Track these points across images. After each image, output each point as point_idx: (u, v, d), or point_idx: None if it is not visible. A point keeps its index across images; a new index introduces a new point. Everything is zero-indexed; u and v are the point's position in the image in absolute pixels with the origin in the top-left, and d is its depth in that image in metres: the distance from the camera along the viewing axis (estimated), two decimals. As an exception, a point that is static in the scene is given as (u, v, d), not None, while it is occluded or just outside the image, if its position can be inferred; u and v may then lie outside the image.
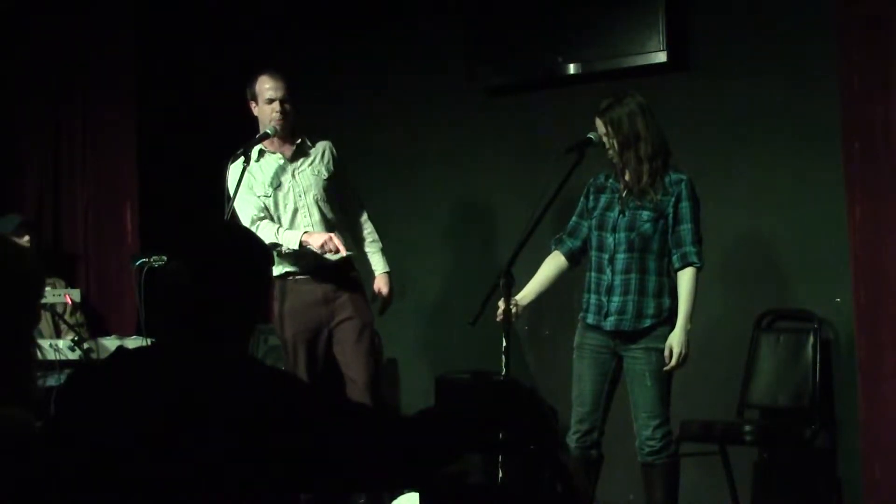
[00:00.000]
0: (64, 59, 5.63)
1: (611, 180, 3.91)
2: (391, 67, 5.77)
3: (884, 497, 4.11)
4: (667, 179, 3.81)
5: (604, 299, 3.86)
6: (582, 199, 3.99)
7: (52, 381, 4.43)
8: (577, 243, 3.99)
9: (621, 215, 3.83)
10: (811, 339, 4.52)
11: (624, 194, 3.84)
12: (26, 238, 5.02)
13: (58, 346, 4.40)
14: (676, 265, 3.82)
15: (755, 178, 4.76)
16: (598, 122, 3.83)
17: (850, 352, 4.37)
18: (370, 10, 5.79)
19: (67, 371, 4.39)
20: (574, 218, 4.01)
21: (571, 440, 3.96)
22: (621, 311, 3.83)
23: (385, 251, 4.50)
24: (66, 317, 4.96)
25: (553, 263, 4.02)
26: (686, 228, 3.80)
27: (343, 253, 4.18)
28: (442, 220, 4.95)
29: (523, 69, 5.27)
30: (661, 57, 4.82)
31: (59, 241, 5.67)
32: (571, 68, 5.11)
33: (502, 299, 3.66)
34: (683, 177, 3.82)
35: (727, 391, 4.74)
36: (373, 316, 4.44)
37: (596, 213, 3.91)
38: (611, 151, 3.82)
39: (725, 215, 4.81)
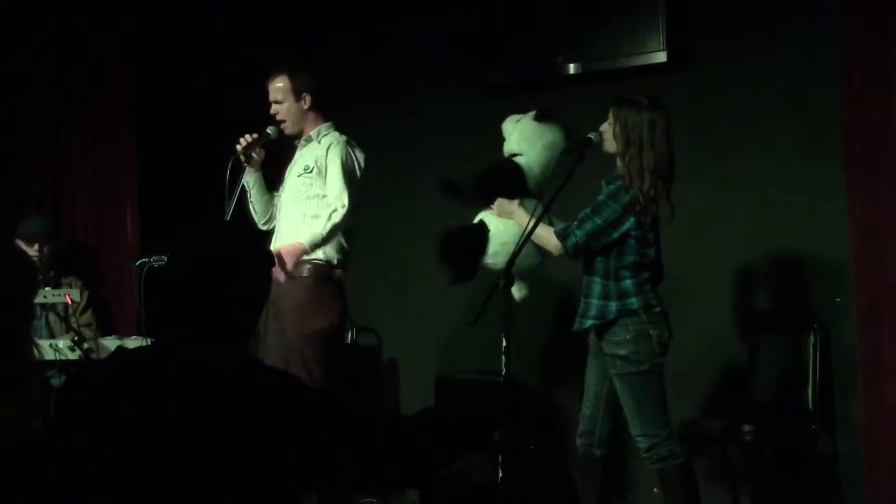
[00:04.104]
0: (64, 59, 5.62)
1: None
2: (391, 67, 5.77)
3: (884, 497, 4.11)
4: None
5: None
6: None
7: (52, 382, 4.44)
8: None
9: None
10: (811, 339, 4.51)
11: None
12: (35, 246, 5.00)
13: (58, 346, 4.40)
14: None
15: (755, 179, 4.75)
16: (610, 114, 3.81)
17: (850, 352, 4.37)
18: (370, 10, 5.79)
19: (69, 371, 4.40)
20: None
21: (578, 440, 3.97)
22: (577, 313, 3.87)
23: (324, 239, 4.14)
24: (76, 317, 4.97)
25: None
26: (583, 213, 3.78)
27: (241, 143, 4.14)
28: (442, 219, 4.93)
29: (523, 69, 5.27)
30: (661, 57, 4.82)
31: (58, 241, 5.66)
32: (571, 68, 5.11)
33: None
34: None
35: (727, 391, 4.74)
36: (308, 330, 4.11)
37: None
38: (611, 146, 3.80)
39: (725, 215, 4.81)
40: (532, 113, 4.13)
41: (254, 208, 4.38)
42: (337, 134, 4.29)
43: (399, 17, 5.72)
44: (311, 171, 4.20)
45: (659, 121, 3.72)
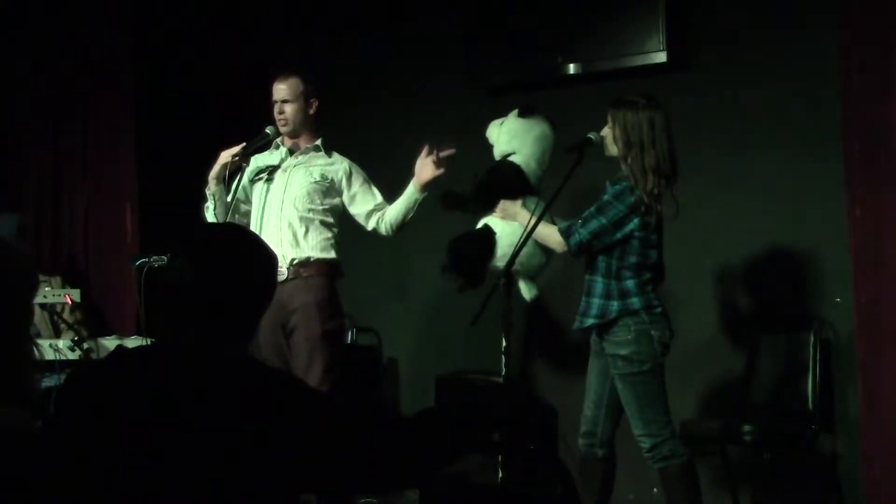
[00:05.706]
0: (64, 59, 5.63)
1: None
2: (391, 67, 5.77)
3: (884, 497, 4.11)
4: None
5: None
6: None
7: (51, 381, 4.44)
8: None
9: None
10: (811, 339, 4.51)
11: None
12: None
13: (58, 346, 4.40)
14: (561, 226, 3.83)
15: (755, 178, 4.76)
16: (608, 117, 3.82)
17: (850, 352, 4.37)
18: (370, 11, 5.79)
19: (67, 371, 4.40)
20: None
21: (580, 441, 3.97)
22: (577, 312, 3.86)
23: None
24: (66, 316, 4.96)
25: None
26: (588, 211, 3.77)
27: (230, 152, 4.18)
28: (442, 219, 4.94)
29: (523, 69, 5.27)
30: (661, 57, 4.83)
31: (59, 241, 5.67)
32: (571, 68, 5.11)
33: None
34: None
35: (727, 391, 4.74)
36: (328, 327, 4.20)
37: None
38: (613, 150, 3.81)
39: (725, 215, 4.81)
40: (515, 111, 4.15)
41: (215, 213, 4.33)
42: (344, 158, 4.38)
43: (399, 17, 5.72)
44: (328, 181, 4.28)
45: (658, 119, 3.72)
